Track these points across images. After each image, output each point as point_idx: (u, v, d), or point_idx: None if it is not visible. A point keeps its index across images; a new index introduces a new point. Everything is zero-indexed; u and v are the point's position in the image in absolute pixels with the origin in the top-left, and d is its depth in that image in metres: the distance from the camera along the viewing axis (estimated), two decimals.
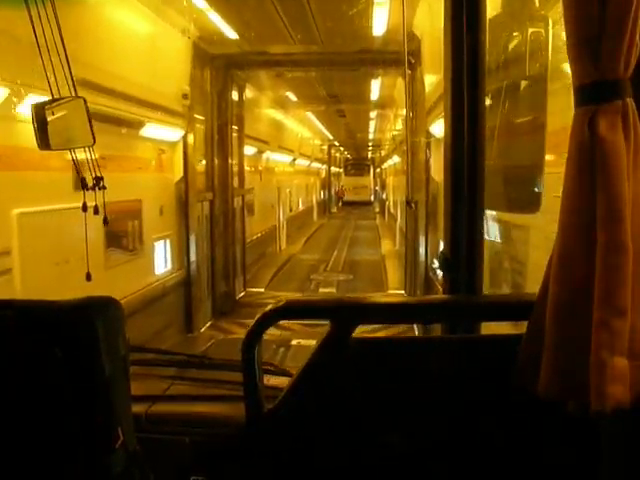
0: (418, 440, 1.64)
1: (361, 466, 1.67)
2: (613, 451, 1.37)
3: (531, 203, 3.59)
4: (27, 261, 5.66)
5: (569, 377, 1.24)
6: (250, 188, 15.26)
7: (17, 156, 5.50)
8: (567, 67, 1.22)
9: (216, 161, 11.87)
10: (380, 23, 9.89)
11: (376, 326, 3.36)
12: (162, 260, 9.80)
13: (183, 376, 2.15)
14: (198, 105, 10.99)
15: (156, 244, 9.53)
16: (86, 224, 1.93)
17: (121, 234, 8.19)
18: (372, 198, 45.52)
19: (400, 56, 10.71)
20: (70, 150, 1.96)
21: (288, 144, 23.03)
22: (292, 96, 17.78)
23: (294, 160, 25.35)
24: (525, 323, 1.41)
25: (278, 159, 21.17)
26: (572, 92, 1.23)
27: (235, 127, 13.08)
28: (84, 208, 1.90)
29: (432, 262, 10.10)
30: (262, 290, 14.49)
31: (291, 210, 25.31)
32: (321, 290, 14.87)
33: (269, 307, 1.71)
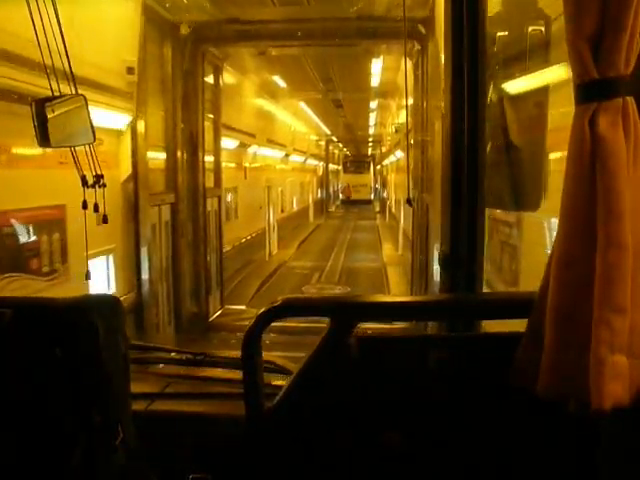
0: (418, 439, 1.67)
1: (361, 464, 1.69)
2: (613, 451, 1.39)
3: None
4: None
5: (569, 376, 1.26)
6: (231, 187, 14.10)
7: None
8: None
9: (181, 155, 9.72)
10: None
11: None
12: (102, 283, 7.62)
13: (183, 374, 2.18)
14: (156, 85, 9.00)
15: (92, 262, 7.36)
16: None
17: (30, 253, 6.03)
18: (372, 197, 45.45)
19: (409, 26, 8.76)
20: (70, 147, 2.04)
21: (279, 138, 21.82)
22: (280, 81, 16.07)
23: (287, 156, 24.39)
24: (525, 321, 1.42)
25: (268, 154, 19.86)
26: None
27: (210, 115, 11.14)
28: None
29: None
30: (243, 307, 12.55)
31: (283, 211, 24.35)
32: None
33: (269, 305, 1.72)
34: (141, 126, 8.05)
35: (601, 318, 1.16)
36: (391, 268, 17.60)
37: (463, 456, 1.63)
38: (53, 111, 1.89)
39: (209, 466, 1.74)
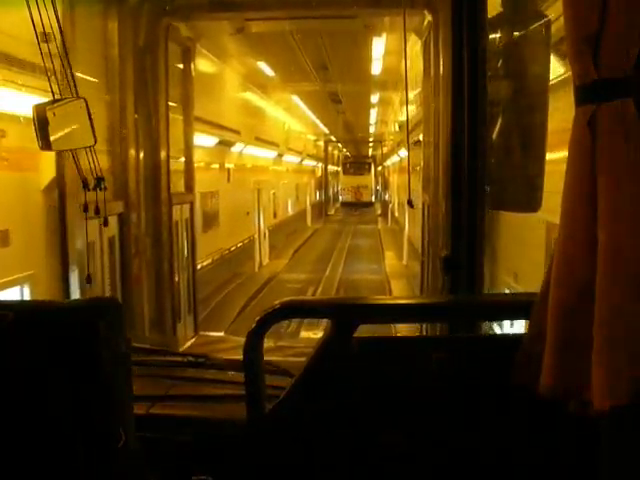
0: (418, 439, 1.71)
1: (362, 465, 1.73)
2: (613, 451, 1.38)
3: None
4: None
5: (569, 376, 1.27)
6: (210, 191, 12.99)
7: None
8: None
9: (135, 153, 7.82)
10: None
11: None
12: None
13: (184, 376, 2.20)
14: (99, 63, 7.31)
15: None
16: None
17: None
18: (373, 199, 45.38)
19: None
20: (71, 151, 2.05)
21: (271, 136, 20.84)
22: (267, 69, 14.60)
23: (280, 156, 23.32)
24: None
25: (257, 154, 18.84)
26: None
27: (174, 104, 9.27)
28: None
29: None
30: (221, 334, 10.78)
31: (275, 216, 23.18)
32: (303, 334, 11.41)
33: (271, 307, 1.77)
34: None
35: (602, 319, 1.19)
36: (395, 281, 16.67)
37: (463, 456, 1.69)
38: (54, 114, 1.93)
39: (210, 468, 1.78)
